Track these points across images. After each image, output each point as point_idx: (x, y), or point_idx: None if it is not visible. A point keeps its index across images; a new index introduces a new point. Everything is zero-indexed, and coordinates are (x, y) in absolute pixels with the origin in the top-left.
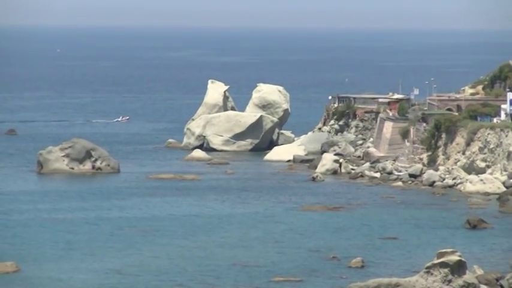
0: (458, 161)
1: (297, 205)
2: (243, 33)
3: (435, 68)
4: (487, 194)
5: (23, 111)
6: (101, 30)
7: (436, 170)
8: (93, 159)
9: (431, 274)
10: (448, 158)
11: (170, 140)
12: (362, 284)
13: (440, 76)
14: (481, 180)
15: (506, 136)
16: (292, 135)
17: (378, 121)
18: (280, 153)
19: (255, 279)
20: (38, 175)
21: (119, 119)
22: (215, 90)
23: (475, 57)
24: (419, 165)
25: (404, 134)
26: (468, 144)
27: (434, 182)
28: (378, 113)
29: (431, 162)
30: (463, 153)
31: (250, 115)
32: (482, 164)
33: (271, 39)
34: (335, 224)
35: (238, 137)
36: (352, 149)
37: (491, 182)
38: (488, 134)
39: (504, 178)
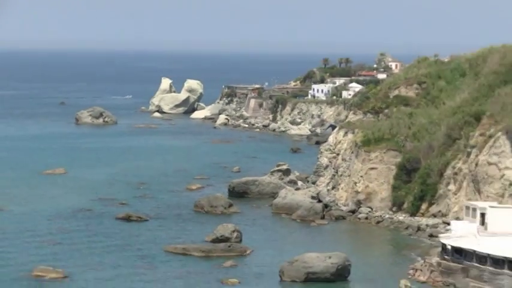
0: (287, 119)
1: (207, 140)
2: (179, 53)
3: (275, 71)
4: (301, 135)
5: (69, 92)
6: (112, 53)
7: (276, 123)
8: (104, 116)
9: (273, 175)
10: (282, 117)
11: (142, 107)
12: (238, 180)
13: (279, 75)
14: (299, 128)
15: (311, 107)
16: (204, 105)
17: (247, 98)
18: (198, 114)
19: (187, 177)
20: (76, 125)
21: (127, 97)
22: (165, 82)
23: (297, 66)
24: (268, 121)
25: (260, 105)
26: (292, 110)
27: (275, 129)
28: (247, 94)
29: (274, 119)
30: (289, 115)
31: (182, 95)
32: (299, 120)
33: (197, 58)
34: (226, 149)
35: (176, 106)
36: (234, 113)
37: (303, 129)
38: (302, 105)
39: (309, 127)
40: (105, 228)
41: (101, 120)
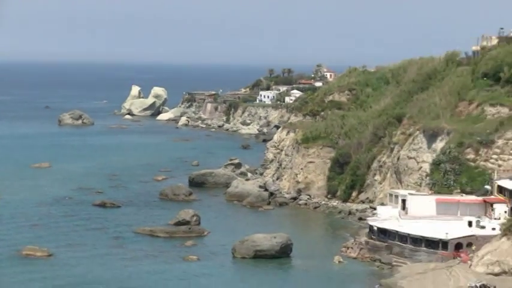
0: (239, 120)
1: (170, 139)
2: (147, 65)
3: (229, 80)
4: (250, 134)
5: (53, 98)
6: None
7: (229, 123)
8: (83, 118)
9: (227, 168)
10: (234, 119)
11: (115, 111)
12: (197, 172)
13: (232, 83)
14: (248, 128)
15: (259, 110)
16: (168, 109)
17: (205, 103)
18: (163, 116)
19: (153, 169)
20: (59, 126)
21: (104, 101)
22: (135, 89)
23: (247, 75)
24: (222, 122)
25: (216, 108)
26: (243, 112)
27: (228, 129)
28: (204, 99)
29: (227, 121)
30: (240, 116)
31: (149, 100)
32: (249, 121)
33: (162, 68)
34: (187, 146)
35: (144, 109)
36: (194, 115)
37: (252, 129)
38: (251, 108)
39: (257, 127)
40: (84, 213)
41: (80, 121)
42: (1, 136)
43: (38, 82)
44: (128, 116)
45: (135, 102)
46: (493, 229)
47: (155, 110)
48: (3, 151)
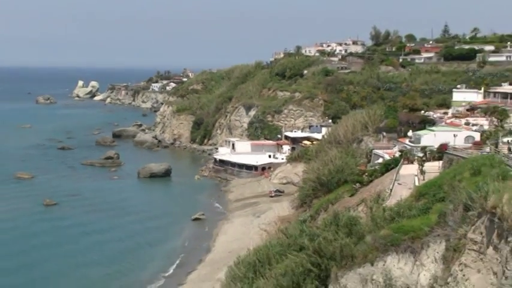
0: (140, 99)
1: (101, 111)
2: (88, 68)
3: (135, 76)
4: (147, 108)
5: (33, 88)
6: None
7: (135, 101)
8: (50, 99)
9: (134, 126)
10: (138, 99)
11: (69, 95)
12: (117, 129)
13: (134, 79)
14: (146, 104)
15: (152, 94)
16: (100, 94)
17: (121, 90)
18: (97, 98)
19: (92, 127)
20: (36, 104)
21: (66, 89)
22: (80, 82)
23: (145, 74)
24: (131, 101)
25: (127, 93)
26: (142, 95)
27: (134, 105)
28: (120, 88)
29: (134, 100)
30: (141, 98)
31: (89, 88)
32: (146, 101)
33: (96, 71)
34: (111, 115)
35: (86, 94)
36: (114, 97)
37: (148, 104)
38: (147, 93)
39: (151, 104)
40: (51, 153)
41: (48, 101)
42: (0, 110)
43: (24, 79)
44: (76, 98)
45: (80, 90)
46: (282, 159)
47: (92, 94)
48: (1, 117)
